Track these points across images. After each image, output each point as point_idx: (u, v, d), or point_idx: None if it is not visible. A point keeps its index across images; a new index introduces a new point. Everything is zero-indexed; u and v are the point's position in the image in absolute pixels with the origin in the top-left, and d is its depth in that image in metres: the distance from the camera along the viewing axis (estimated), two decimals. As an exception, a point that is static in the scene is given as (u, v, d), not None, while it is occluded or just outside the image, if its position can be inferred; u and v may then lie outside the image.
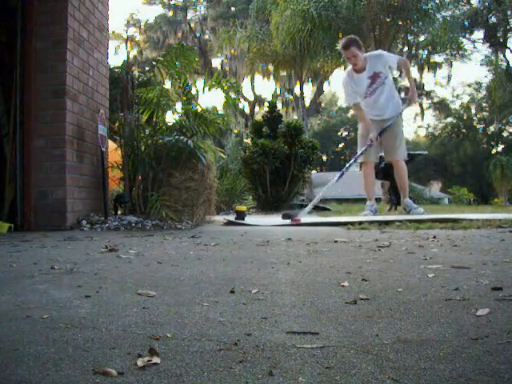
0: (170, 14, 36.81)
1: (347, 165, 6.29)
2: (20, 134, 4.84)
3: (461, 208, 11.03)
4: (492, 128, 36.87)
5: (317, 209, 10.67)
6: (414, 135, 46.79)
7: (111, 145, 6.03)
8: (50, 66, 4.84)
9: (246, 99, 34.02)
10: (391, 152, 5.85)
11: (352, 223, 4.93)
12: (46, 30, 4.87)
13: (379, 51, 6.69)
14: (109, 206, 5.50)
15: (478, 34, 42.86)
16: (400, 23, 16.93)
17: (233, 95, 6.23)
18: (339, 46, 6.10)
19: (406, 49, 20.98)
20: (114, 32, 35.03)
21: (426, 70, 23.38)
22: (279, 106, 23.16)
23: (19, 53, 4.85)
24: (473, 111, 40.00)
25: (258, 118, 14.19)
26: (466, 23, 25.49)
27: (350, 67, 5.83)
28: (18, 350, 1.07)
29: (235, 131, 31.84)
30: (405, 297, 1.58)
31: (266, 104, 12.56)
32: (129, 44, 37.06)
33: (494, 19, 27.51)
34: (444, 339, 1.13)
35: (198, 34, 36.36)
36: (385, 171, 9.26)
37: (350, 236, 3.85)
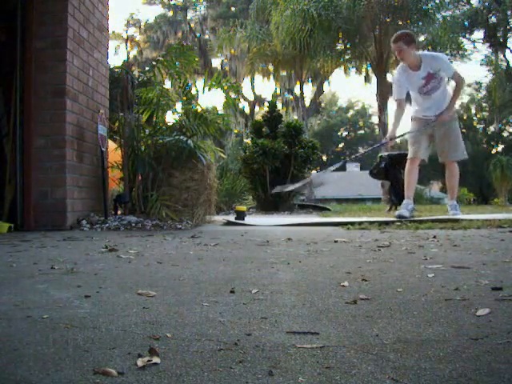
0: (170, 13, 36.82)
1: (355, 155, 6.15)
2: (20, 134, 4.84)
3: (461, 208, 11.01)
4: (492, 128, 36.87)
5: (317, 209, 10.69)
6: (414, 135, 46.65)
7: (111, 145, 6.03)
8: (50, 66, 4.84)
9: (245, 99, 34.04)
10: (443, 153, 5.63)
11: (352, 223, 4.93)
12: (46, 30, 4.87)
13: (438, 53, 6.39)
14: (109, 206, 5.51)
15: (478, 34, 42.87)
16: (400, 23, 16.91)
17: (233, 95, 6.23)
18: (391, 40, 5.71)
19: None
20: (114, 32, 35.08)
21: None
22: (279, 106, 23.17)
23: (19, 53, 4.85)
24: (473, 111, 40.00)
25: (258, 117, 14.18)
26: (466, 23, 25.48)
27: (404, 63, 5.59)
28: (17, 349, 1.07)
29: (235, 131, 31.83)
30: (405, 297, 1.58)
31: (266, 104, 12.57)
32: (129, 44, 37.07)
33: (494, 19, 27.51)
34: (444, 339, 1.13)
35: (198, 34, 36.36)
36: (385, 171, 9.27)
37: (350, 236, 3.85)
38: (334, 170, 6.29)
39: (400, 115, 5.75)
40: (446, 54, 17.95)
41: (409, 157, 5.68)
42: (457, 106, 5.88)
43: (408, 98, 5.82)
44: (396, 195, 9.24)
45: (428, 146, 5.70)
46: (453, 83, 5.67)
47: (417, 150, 5.58)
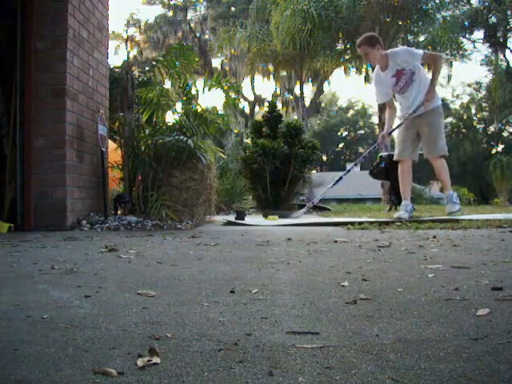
0: (170, 13, 36.82)
1: (349, 167, 6.14)
2: (20, 134, 4.84)
3: (461, 208, 11.00)
4: (492, 128, 36.87)
5: (317, 209, 10.68)
6: (413, 135, 46.68)
7: (111, 145, 6.03)
8: (50, 66, 4.84)
9: (245, 99, 34.05)
10: (427, 148, 5.43)
11: (352, 223, 4.93)
12: (46, 29, 4.87)
13: (399, 48, 6.16)
14: (109, 206, 5.50)
15: (478, 34, 42.90)
16: (400, 23, 16.93)
17: (233, 95, 6.23)
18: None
19: (406, 49, 20.95)
20: (114, 32, 35.07)
21: (425, 69, 23.34)
22: (279, 106, 23.17)
23: (19, 53, 4.85)
24: (473, 111, 40.00)
25: (258, 117, 14.18)
26: (466, 23, 25.49)
27: (377, 65, 5.54)
28: (17, 349, 1.07)
29: (235, 131, 31.83)
30: (405, 297, 1.58)
31: (266, 104, 12.55)
32: (129, 44, 37.07)
33: (494, 19, 27.52)
34: (444, 339, 1.13)
35: (198, 34, 36.37)
36: (385, 171, 9.27)
37: (350, 236, 3.85)
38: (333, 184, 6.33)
39: (392, 114, 5.67)
40: (446, 54, 17.97)
41: (395, 158, 5.68)
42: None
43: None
44: (396, 195, 9.25)
45: (416, 146, 5.57)
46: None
47: (402, 150, 5.53)
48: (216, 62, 36.78)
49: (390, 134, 5.74)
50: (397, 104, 5.71)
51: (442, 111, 5.59)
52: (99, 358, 1.01)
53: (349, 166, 8.06)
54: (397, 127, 5.72)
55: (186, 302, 1.54)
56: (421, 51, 5.41)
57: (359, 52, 5.50)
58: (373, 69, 5.83)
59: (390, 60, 5.27)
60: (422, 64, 5.47)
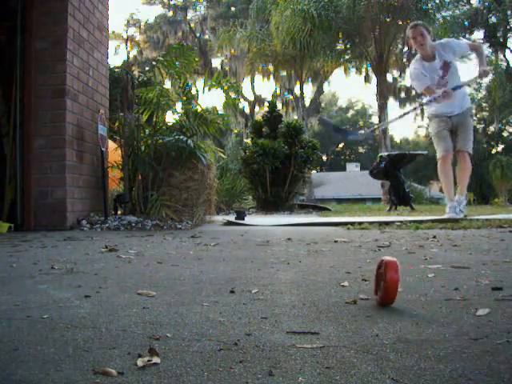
0: (170, 13, 36.83)
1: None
2: (20, 134, 4.84)
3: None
4: (492, 128, 36.85)
5: (317, 209, 10.69)
6: (413, 135, 46.82)
7: (111, 145, 6.03)
8: (50, 66, 4.84)
9: (245, 99, 34.05)
10: (462, 142, 5.26)
11: (352, 223, 4.93)
12: (46, 30, 4.87)
13: (446, 39, 5.94)
14: (109, 206, 5.50)
15: (478, 34, 42.85)
16: (400, 23, 16.93)
17: (233, 95, 6.23)
18: (408, 28, 5.35)
19: (405, 49, 20.99)
20: (114, 32, 35.07)
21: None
22: (279, 106, 23.17)
23: (19, 53, 4.85)
24: (473, 111, 39.96)
25: (258, 117, 14.18)
26: (466, 23, 25.47)
27: (417, 56, 5.33)
28: (17, 349, 1.07)
29: (235, 131, 31.84)
30: (405, 297, 1.58)
31: (266, 104, 12.56)
32: (129, 44, 37.08)
33: (494, 19, 27.51)
34: (444, 339, 1.13)
35: (198, 34, 36.37)
36: (385, 171, 9.28)
37: (350, 236, 3.85)
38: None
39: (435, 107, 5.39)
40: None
41: (439, 156, 5.36)
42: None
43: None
44: (396, 195, 9.25)
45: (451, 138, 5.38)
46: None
47: (447, 146, 5.28)
48: (216, 62, 36.82)
49: (455, 89, 5.24)
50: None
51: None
52: (99, 358, 1.01)
53: (349, 166, 8.05)
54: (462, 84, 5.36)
55: (186, 302, 1.54)
56: (465, 41, 5.34)
57: (411, 33, 5.23)
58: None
59: (438, 50, 5.13)
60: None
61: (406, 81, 32.87)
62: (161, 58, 5.85)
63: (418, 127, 56.51)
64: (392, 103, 36.69)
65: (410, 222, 4.99)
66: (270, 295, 1.64)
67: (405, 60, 22.94)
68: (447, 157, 5.32)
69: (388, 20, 16.99)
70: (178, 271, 2.16)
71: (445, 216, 5.35)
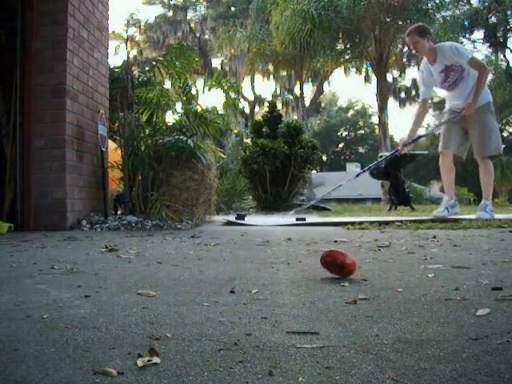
0: (170, 13, 36.84)
1: (351, 176, 6.00)
2: (20, 134, 4.84)
3: (461, 208, 11.01)
4: (492, 128, 36.82)
5: (317, 209, 10.69)
6: (413, 135, 46.69)
7: (111, 145, 6.03)
8: (50, 66, 4.84)
9: (245, 99, 34.09)
10: (476, 147, 5.08)
11: (352, 223, 4.93)
12: (46, 30, 4.87)
13: (448, 42, 5.55)
14: (109, 206, 5.51)
15: (478, 34, 42.90)
16: (400, 23, 16.92)
17: (233, 95, 6.23)
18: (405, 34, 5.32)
19: (405, 49, 21.00)
20: (114, 32, 35.10)
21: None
22: (279, 106, 23.18)
23: (19, 53, 4.85)
24: (492, 108, 39.91)
25: (258, 117, 14.18)
26: (466, 23, 25.49)
27: (425, 58, 5.25)
28: (17, 349, 1.07)
29: (235, 131, 31.85)
30: (405, 297, 1.58)
31: (266, 104, 12.57)
32: (129, 44, 37.09)
33: (494, 19, 27.52)
34: (444, 339, 1.13)
35: (198, 34, 36.38)
36: (385, 171, 9.27)
37: (350, 236, 3.85)
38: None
39: (421, 117, 5.39)
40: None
41: (439, 150, 5.34)
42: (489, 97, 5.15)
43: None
44: (396, 195, 9.25)
45: (463, 142, 5.26)
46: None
47: (447, 141, 5.20)
48: (216, 62, 36.83)
49: (412, 143, 5.38)
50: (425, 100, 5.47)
51: (493, 109, 5.24)
52: (99, 358, 1.01)
53: (349, 166, 8.06)
54: (418, 138, 5.48)
55: (186, 302, 1.54)
56: (469, 54, 5.16)
57: (407, 41, 5.23)
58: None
59: (438, 54, 5.05)
60: None
61: (406, 81, 32.90)
62: (161, 58, 5.85)
63: (418, 127, 56.43)
64: (392, 103, 36.69)
65: (410, 221, 5.00)
66: (270, 295, 1.64)
67: (405, 60, 22.95)
68: (444, 153, 5.27)
69: (388, 20, 16.98)
70: (178, 271, 2.16)
71: (433, 212, 5.44)
